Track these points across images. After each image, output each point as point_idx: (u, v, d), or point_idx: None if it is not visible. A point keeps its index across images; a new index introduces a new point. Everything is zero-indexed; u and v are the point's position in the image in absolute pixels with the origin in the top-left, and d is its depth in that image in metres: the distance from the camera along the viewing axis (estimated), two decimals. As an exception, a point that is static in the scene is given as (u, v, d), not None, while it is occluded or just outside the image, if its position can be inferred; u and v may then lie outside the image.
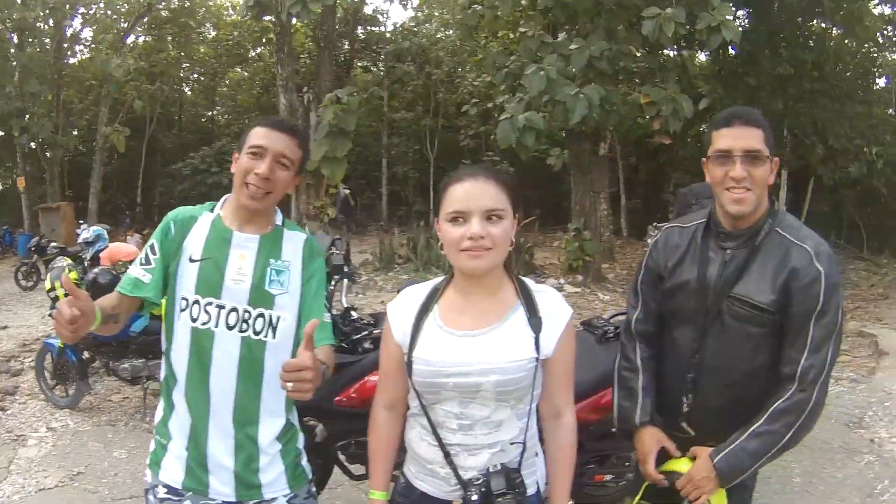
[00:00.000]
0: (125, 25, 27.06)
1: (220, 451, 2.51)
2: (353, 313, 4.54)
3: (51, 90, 26.68)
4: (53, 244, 17.37)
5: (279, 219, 2.67)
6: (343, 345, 4.14)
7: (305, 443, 2.76)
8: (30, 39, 26.83)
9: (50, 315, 8.29)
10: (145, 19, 27.55)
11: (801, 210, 20.97)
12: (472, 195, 2.15)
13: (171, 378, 2.58)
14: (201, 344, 2.48)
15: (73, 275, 7.44)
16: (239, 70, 34.00)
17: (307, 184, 14.64)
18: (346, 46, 27.38)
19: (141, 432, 6.89)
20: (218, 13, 32.35)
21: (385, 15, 30.86)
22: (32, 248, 17.52)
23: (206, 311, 2.47)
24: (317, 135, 14.09)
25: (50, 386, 7.82)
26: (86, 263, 12.20)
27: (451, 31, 25.95)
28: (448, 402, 2.20)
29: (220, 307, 2.48)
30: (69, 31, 28.29)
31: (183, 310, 2.50)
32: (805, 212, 21.00)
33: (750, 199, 2.48)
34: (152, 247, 2.56)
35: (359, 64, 29.24)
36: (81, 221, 25.03)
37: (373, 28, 29.16)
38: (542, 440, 2.40)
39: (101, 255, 13.77)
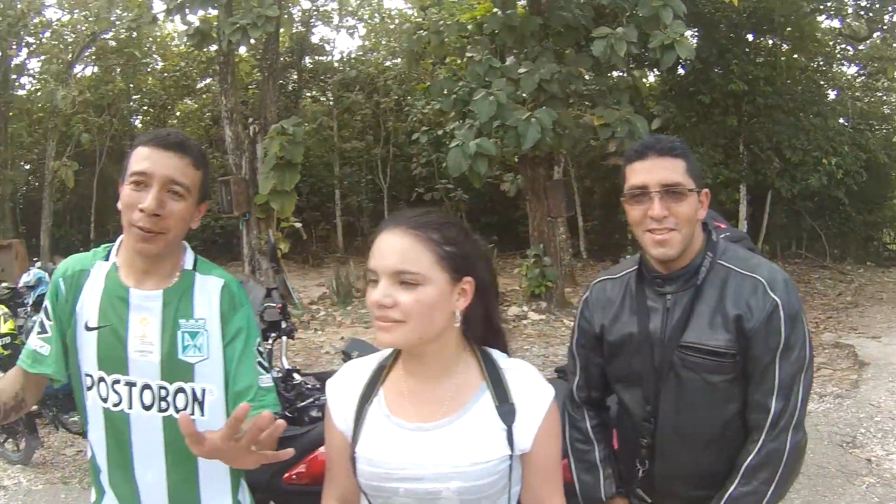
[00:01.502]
0: (71, 56, 26.35)
1: None
2: (295, 376, 3.94)
3: (-3, 122, 25.97)
4: (3, 284, 16.93)
5: (189, 261, 2.20)
6: (287, 414, 3.59)
7: None
8: (-27, 72, 26.28)
9: None
10: (90, 49, 26.93)
11: (761, 224, 21.12)
12: (382, 252, 1.74)
13: (94, 461, 2.15)
14: (117, 428, 2.06)
15: (10, 325, 6.92)
16: (189, 102, 33.67)
17: (258, 218, 14.44)
18: (294, 76, 27.24)
19: (98, 491, 6.50)
20: (164, 43, 32.07)
21: (332, 44, 30.87)
22: (-19, 290, 16.94)
23: (115, 391, 2.04)
24: (263, 168, 13.90)
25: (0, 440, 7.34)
26: (28, 309, 11.41)
27: (398, 60, 25.80)
28: None
29: (130, 384, 2.04)
30: (14, 62, 27.40)
31: (89, 388, 2.08)
32: (765, 225, 21.18)
33: (675, 239, 2.20)
34: (46, 310, 2.14)
35: (307, 94, 29.00)
36: (35, 259, 24.60)
37: (320, 58, 28.94)
38: None
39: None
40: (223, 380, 2.08)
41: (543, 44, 12.86)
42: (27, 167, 28.84)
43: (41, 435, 7.26)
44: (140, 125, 34.53)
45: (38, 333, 2.12)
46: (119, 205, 2.07)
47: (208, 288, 2.14)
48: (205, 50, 17.49)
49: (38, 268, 23.64)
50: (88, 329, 2.08)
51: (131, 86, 30.78)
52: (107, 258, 2.19)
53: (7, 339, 6.81)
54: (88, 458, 2.18)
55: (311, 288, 17.87)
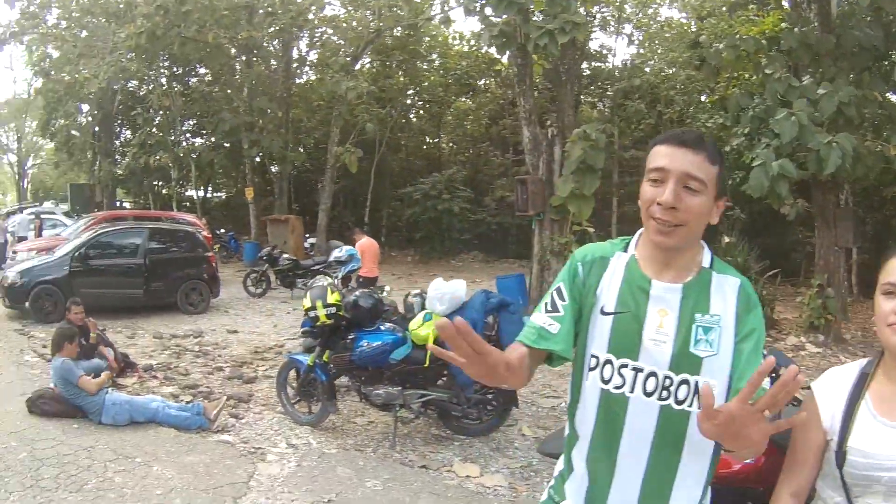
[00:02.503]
0: (352, 50, 27.93)
1: None
2: None
3: (279, 108, 28.06)
4: (286, 256, 18.51)
5: (707, 259, 2.23)
6: None
7: None
8: (256, 60, 28.56)
9: (302, 333, 8.39)
10: (371, 45, 28.40)
11: None
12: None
13: (573, 436, 2.30)
14: (612, 409, 2.16)
15: (336, 297, 7.27)
16: (464, 100, 35.06)
17: (552, 219, 14.88)
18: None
19: (393, 463, 6.67)
20: (444, 43, 33.40)
21: (612, 52, 30.72)
22: (264, 258, 18.52)
23: (620, 374, 2.14)
24: (564, 171, 14.22)
25: (291, 401, 7.79)
26: (337, 282, 12.29)
27: (674, 69, 25.86)
28: (872, 496, 2.03)
29: (637, 370, 2.13)
30: (296, 53, 29.96)
31: (592, 368, 2.19)
32: None
33: None
34: (559, 291, 2.25)
35: (585, 100, 29.33)
36: (308, 235, 26.55)
37: (598, 64, 29.28)
38: None
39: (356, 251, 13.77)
40: (727, 376, 2.10)
41: (838, 64, 12.50)
42: (301, 150, 30.67)
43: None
44: (415, 119, 36.20)
45: (547, 312, 2.22)
46: (640, 201, 2.19)
47: (724, 286, 2.18)
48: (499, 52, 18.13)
49: (312, 242, 25.47)
50: (604, 313, 2.18)
51: (408, 81, 32.20)
52: (625, 249, 2.28)
53: (332, 310, 7.17)
54: (565, 434, 2.36)
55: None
